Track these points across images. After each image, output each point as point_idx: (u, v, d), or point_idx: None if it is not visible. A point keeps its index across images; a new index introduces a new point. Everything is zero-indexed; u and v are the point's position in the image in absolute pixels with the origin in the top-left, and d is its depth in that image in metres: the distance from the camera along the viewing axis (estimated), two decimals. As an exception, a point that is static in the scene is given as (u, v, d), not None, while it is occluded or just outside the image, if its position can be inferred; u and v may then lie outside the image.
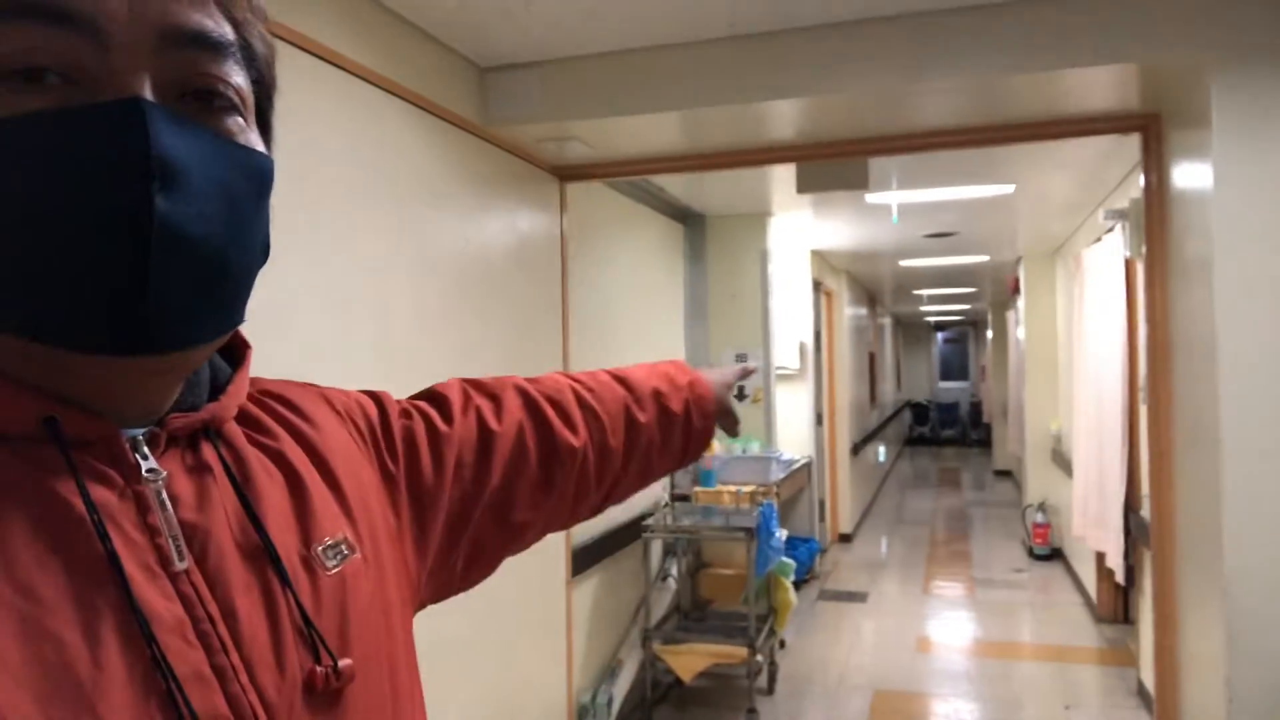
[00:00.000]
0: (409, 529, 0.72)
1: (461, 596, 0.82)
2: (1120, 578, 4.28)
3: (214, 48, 0.50)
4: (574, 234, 3.30)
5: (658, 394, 0.98)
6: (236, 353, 0.63)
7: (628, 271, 4.13)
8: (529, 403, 0.86)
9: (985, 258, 7.36)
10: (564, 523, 0.91)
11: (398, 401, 0.79)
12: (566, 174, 3.14)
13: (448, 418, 0.79)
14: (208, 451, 0.56)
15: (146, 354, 0.48)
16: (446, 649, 2.36)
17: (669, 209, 4.80)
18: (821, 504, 6.83)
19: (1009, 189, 4.50)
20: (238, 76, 0.52)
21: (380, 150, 2.14)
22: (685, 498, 4.55)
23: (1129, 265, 4.07)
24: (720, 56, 2.47)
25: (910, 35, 2.33)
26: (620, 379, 0.98)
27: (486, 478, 0.79)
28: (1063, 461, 6.27)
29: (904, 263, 7.64)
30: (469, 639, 2.49)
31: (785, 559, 4.35)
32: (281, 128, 0.60)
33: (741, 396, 5.14)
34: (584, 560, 3.42)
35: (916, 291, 10.72)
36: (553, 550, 3.11)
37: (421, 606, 0.75)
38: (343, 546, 0.61)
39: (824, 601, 5.90)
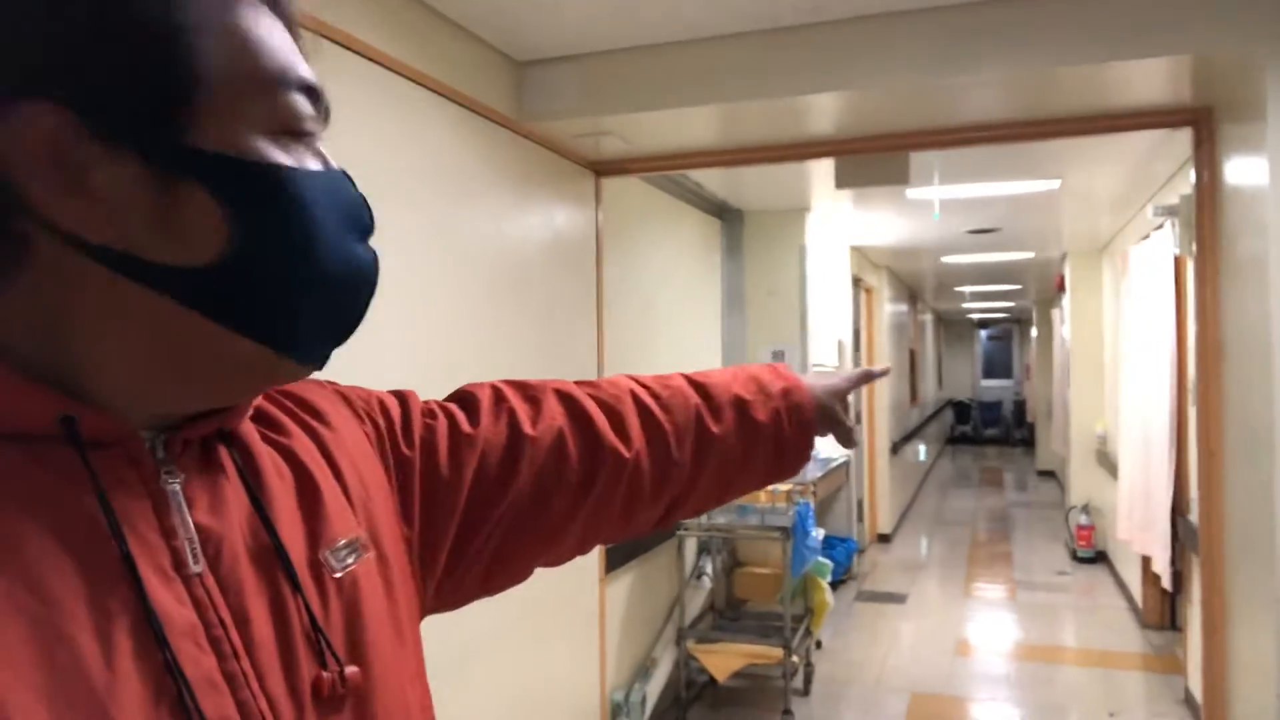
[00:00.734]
0: (419, 531, 0.71)
1: (495, 593, 0.80)
2: (1167, 583, 4.18)
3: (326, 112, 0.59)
4: (609, 229, 3.29)
5: (739, 402, 0.90)
6: None
7: (664, 267, 4.11)
8: (573, 407, 0.83)
9: (1030, 254, 7.22)
10: (617, 534, 0.87)
11: (425, 402, 0.78)
12: (602, 169, 3.13)
13: (474, 419, 0.77)
14: (222, 453, 0.56)
15: (320, 366, 0.57)
16: (479, 646, 2.36)
17: (706, 204, 4.77)
18: (860, 503, 6.76)
19: (1054, 184, 4.41)
20: None
21: (416, 145, 2.14)
22: (721, 495, 4.52)
23: (1178, 263, 3.96)
24: (758, 50, 2.44)
25: (952, 26, 2.27)
26: (698, 384, 0.91)
27: (511, 481, 0.76)
28: (1108, 463, 6.14)
29: (946, 259, 7.52)
30: (502, 636, 2.50)
31: (822, 559, 4.31)
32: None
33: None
34: (618, 557, 3.41)
35: (959, 288, 10.56)
36: (587, 547, 3.10)
37: (433, 612, 0.74)
38: (355, 547, 0.61)
39: (861, 602, 5.84)
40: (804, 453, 0.94)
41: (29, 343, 0.48)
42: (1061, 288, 7.61)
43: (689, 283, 4.55)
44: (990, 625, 5.44)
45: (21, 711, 0.41)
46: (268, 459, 0.59)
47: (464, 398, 0.80)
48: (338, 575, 0.58)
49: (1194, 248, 2.62)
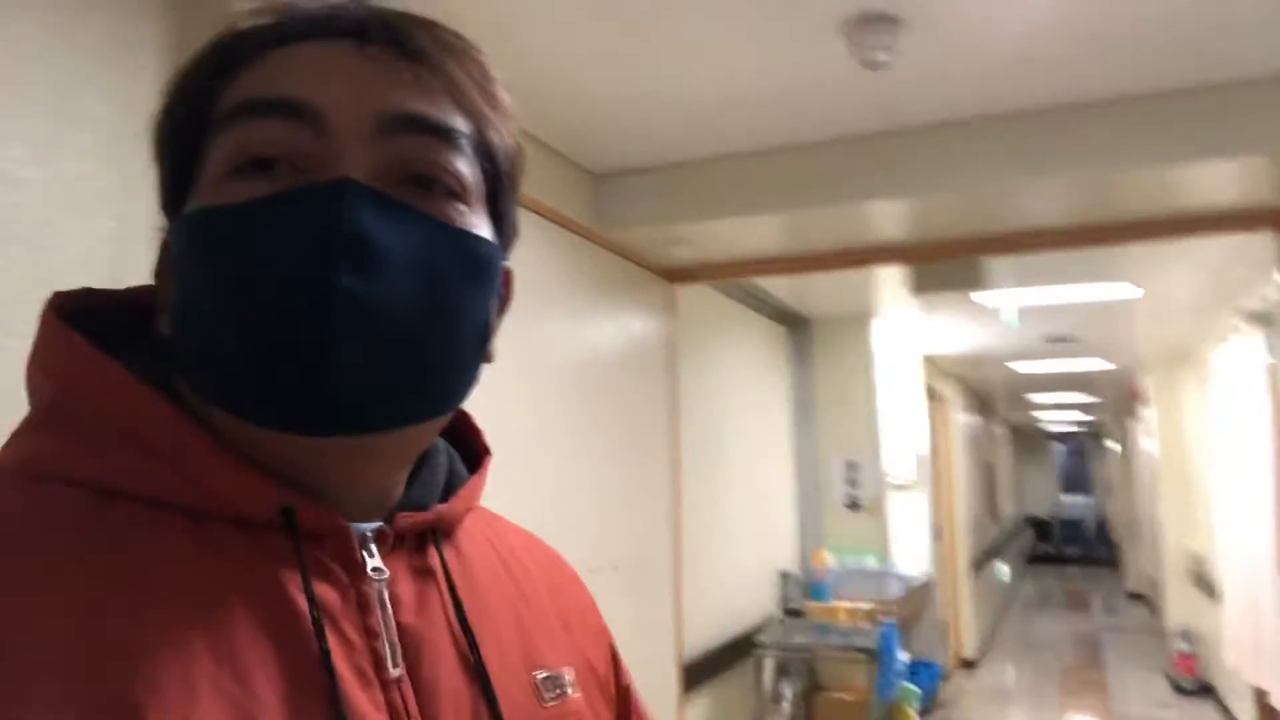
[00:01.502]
0: None
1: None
2: (1289, 714, 3.84)
3: (434, 134, 0.50)
4: (681, 337, 3.30)
5: None
6: (475, 459, 0.63)
7: (733, 374, 4.09)
8: None
9: (1105, 363, 7.04)
10: None
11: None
12: (675, 276, 3.17)
13: None
14: (432, 555, 0.55)
15: (338, 433, 0.47)
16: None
17: (772, 312, 4.77)
18: (943, 625, 6.44)
19: (1134, 292, 4.32)
20: (460, 163, 0.51)
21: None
22: (797, 612, 4.34)
23: (1273, 371, 3.81)
24: (826, 158, 2.48)
25: (1019, 132, 2.27)
26: None
27: None
28: (1206, 585, 5.76)
29: (1019, 366, 7.37)
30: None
31: (910, 685, 4.08)
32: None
33: (855, 506, 4.95)
34: (695, 676, 3.27)
35: (1030, 397, 10.31)
36: (662, 666, 2.99)
37: None
38: (564, 682, 0.57)
39: (948, 732, 5.48)
40: None
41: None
42: (1137, 397, 7.36)
43: (758, 390, 4.51)
44: (1091, 761, 5.04)
45: None
46: (489, 569, 0.58)
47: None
48: (547, 704, 0.55)
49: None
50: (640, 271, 2.99)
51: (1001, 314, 4.75)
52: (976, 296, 4.33)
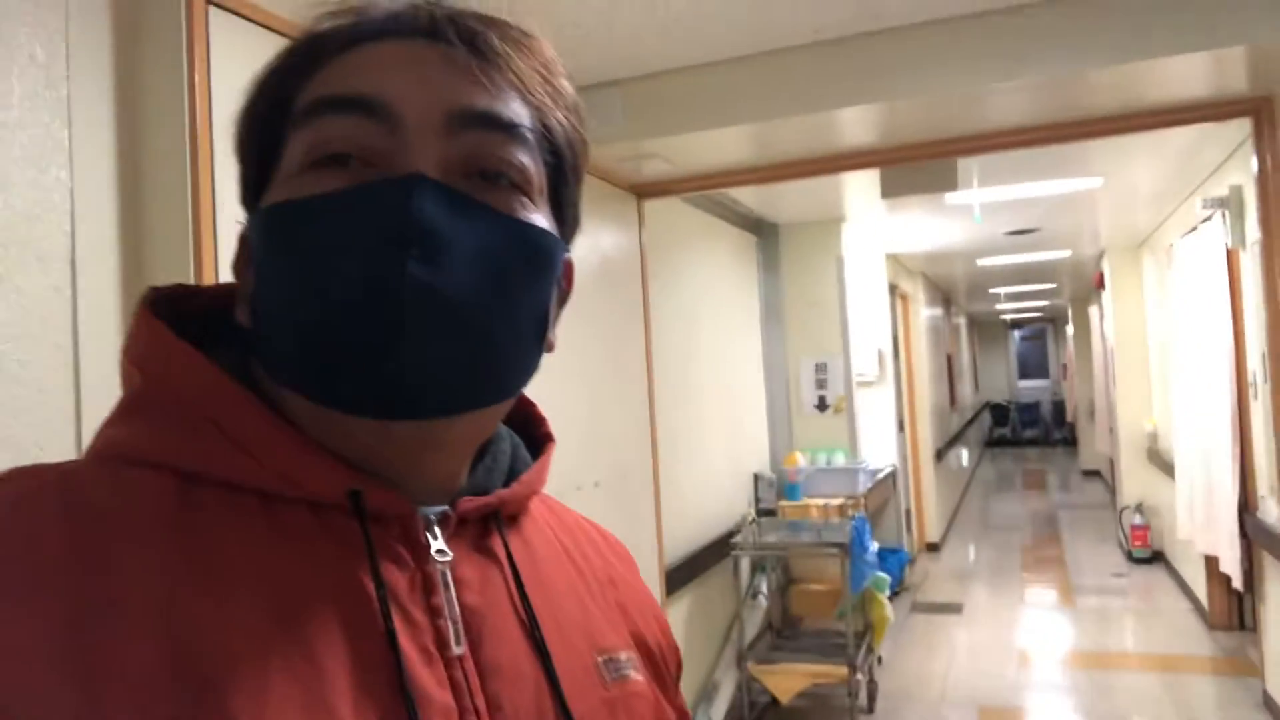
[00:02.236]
0: None
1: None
2: (1238, 582, 4.06)
3: (500, 129, 0.52)
4: (650, 250, 3.27)
5: None
6: (540, 445, 0.64)
7: (704, 284, 4.09)
8: None
9: (1067, 253, 7.12)
10: None
11: None
12: (644, 191, 3.12)
13: None
14: (495, 538, 0.57)
15: (404, 417, 0.49)
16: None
17: (742, 220, 4.75)
18: (908, 513, 6.67)
19: (1096, 183, 4.34)
20: (524, 157, 0.53)
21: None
22: (770, 512, 4.47)
23: (1230, 255, 3.88)
24: (799, 65, 2.42)
25: (993, 32, 2.25)
26: None
27: None
28: (1160, 461, 6.00)
29: (981, 261, 7.44)
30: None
31: (880, 573, 4.24)
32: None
33: (823, 407, 5.04)
34: (676, 580, 3.37)
35: (993, 290, 10.45)
36: (646, 574, 3.07)
37: None
38: (624, 664, 0.59)
39: (917, 614, 5.74)
40: None
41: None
42: (1100, 285, 7.49)
43: (729, 297, 4.52)
44: (1051, 632, 5.33)
45: None
46: (552, 554, 0.60)
47: None
48: (608, 683, 0.57)
49: (1246, 239, 2.56)
50: (609, 188, 2.94)
51: (968, 212, 4.76)
52: (944, 196, 4.32)
